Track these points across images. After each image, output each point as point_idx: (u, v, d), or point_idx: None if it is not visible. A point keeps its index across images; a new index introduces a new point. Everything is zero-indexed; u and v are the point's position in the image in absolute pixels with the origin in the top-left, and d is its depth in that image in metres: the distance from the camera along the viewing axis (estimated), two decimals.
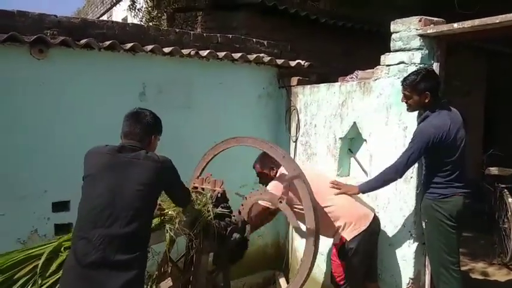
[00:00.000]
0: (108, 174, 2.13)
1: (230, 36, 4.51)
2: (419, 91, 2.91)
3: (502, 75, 7.97)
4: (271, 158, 3.07)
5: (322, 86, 4.10)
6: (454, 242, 2.93)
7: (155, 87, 3.79)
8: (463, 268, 3.57)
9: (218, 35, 4.46)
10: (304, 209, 2.85)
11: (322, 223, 2.98)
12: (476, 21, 2.83)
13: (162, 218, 2.61)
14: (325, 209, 3.08)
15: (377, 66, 3.48)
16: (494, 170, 4.95)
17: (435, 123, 2.88)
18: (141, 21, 7.31)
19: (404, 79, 2.98)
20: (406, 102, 3.02)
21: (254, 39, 4.65)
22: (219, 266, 3.04)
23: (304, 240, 2.91)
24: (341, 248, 3.08)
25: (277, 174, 3.17)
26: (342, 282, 3.12)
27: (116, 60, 3.59)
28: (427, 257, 3.22)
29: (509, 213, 4.63)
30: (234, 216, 2.93)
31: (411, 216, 3.25)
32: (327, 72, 5.00)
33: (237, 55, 4.17)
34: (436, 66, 3.18)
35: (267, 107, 4.55)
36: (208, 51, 3.98)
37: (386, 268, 3.39)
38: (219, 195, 2.86)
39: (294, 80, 4.46)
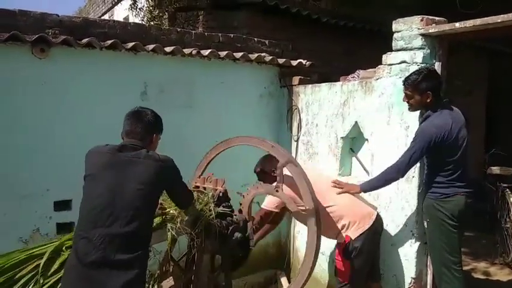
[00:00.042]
0: (109, 173, 2.13)
1: (231, 35, 4.51)
2: (420, 91, 2.90)
3: (503, 74, 7.97)
4: (272, 161, 3.07)
5: (324, 86, 4.10)
6: (456, 242, 2.93)
7: (157, 86, 3.79)
8: (465, 268, 3.57)
9: (219, 34, 4.46)
10: (300, 191, 2.85)
11: (325, 224, 2.98)
12: (478, 21, 2.82)
13: (163, 217, 2.61)
14: (327, 209, 3.07)
15: (379, 66, 3.48)
16: (496, 170, 4.94)
17: (437, 123, 2.88)
18: (142, 20, 7.30)
19: (406, 79, 2.98)
20: (408, 102, 3.01)
21: (255, 39, 4.64)
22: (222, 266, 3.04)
23: (305, 239, 2.91)
24: (345, 248, 3.06)
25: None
26: (346, 282, 3.11)
27: (118, 60, 3.60)
28: (429, 257, 3.22)
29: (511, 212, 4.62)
30: (235, 215, 2.93)
31: (413, 216, 3.25)
32: (328, 71, 4.99)
33: (238, 54, 4.16)
34: (437, 66, 3.18)
35: (269, 107, 4.55)
36: (209, 50, 3.98)
37: (388, 268, 3.39)
38: (221, 194, 2.86)
39: (296, 80, 4.46)
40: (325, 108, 4.05)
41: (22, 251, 2.40)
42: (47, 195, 3.32)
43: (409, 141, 3.06)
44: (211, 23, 6.02)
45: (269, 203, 3.14)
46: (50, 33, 3.35)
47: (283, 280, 3.75)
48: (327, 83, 4.08)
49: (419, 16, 3.16)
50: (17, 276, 2.27)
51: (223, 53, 4.06)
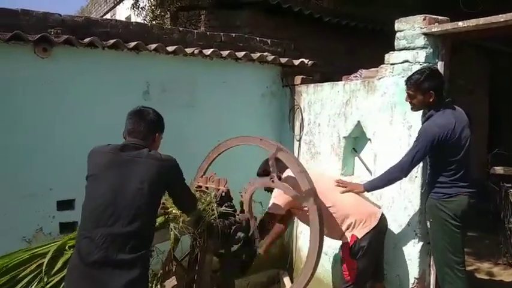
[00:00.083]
0: (111, 173, 2.13)
1: (233, 35, 4.51)
2: (423, 90, 2.89)
3: (503, 73, 7.96)
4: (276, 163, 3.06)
5: (326, 85, 4.09)
6: (459, 242, 2.92)
7: (159, 86, 3.79)
8: (468, 268, 3.56)
9: (221, 33, 4.46)
10: (295, 176, 2.86)
11: (328, 224, 2.97)
12: (481, 20, 2.82)
13: (166, 216, 2.61)
14: (329, 209, 3.06)
15: (381, 65, 3.47)
16: (499, 169, 4.93)
17: (439, 122, 2.87)
18: (144, 20, 7.31)
19: (408, 78, 2.97)
20: (410, 102, 3.00)
21: (258, 38, 4.64)
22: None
23: (308, 239, 2.90)
24: (352, 247, 3.04)
25: (282, 177, 3.15)
26: (352, 281, 3.08)
27: (120, 59, 3.60)
28: (432, 257, 3.21)
29: None
30: (238, 215, 2.92)
31: (416, 216, 3.24)
32: (330, 71, 4.99)
33: (240, 54, 4.16)
34: (440, 65, 3.17)
35: (271, 106, 4.55)
36: (211, 50, 3.97)
37: (391, 268, 3.38)
38: (223, 194, 2.86)
39: (298, 79, 4.46)
40: (327, 107, 4.05)
41: (25, 250, 2.40)
42: (50, 194, 3.32)
43: (411, 141, 3.05)
44: (213, 23, 6.03)
45: (274, 205, 3.12)
46: (52, 33, 3.35)
47: (286, 280, 3.75)
48: (329, 83, 4.08)
49: (421, 15, 3.15)
50: (20, 275, 2.28)
51: (225, 53, 4.05)
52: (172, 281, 2.74)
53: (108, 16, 11.40)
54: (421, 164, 3.09)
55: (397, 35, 3.30)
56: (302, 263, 3.53)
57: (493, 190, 5.03)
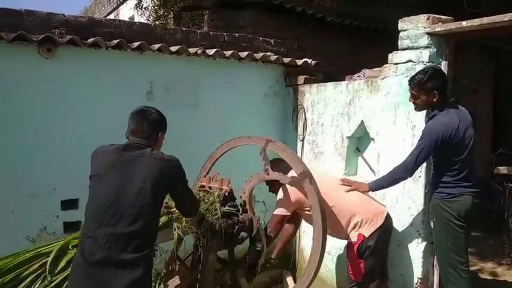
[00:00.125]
0: (113, 173, 2.13)
1: (237, 35, 4.51)
2: (426, 90, 2.88)
3: (508, 73, 7.93)
4: (280, 164, 3.07)
5: (329, 85, 4.09)
6: (463, 242, 2.91)
7: (162, 86, 3.80)
8: (471, 268, 3.56)
9: (225, 33, 4.46)
10: (287, 161, 2.91)
11: (333, 224, 2.97)
12: (485, 19, 2.81)
13: (169, 216, 2.62)
14: (332, 208, 3.04)
15: (385, 65, 3.46)
16: (503, 169, 4.91)
17: (443, 121, 2.86)
18: (147, 20, 7.33)
19: (411, 79, 2.96)
20: (414, 102, 2.99)
21: (261, 38, 4.64)
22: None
23: (311, 239, 2.90)
24: (359, 247, 3.01)
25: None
26: (359, 281, 3.06)
27: (123, 59, 3.61)
28: (435, 257, 3.20)
29: None
30: (241, 215, 2.93)
31: (419, 216, 3.24)
32: (333, 70, 4.99)
33: (243, 54, 4.16)
34: (444, 65, 3.16)
35: (274, 106, 4.55)
36: (215, 50, 3.98)
37: (394, 268, 3.37)
38: (226, 193, 2.86)
39: (301, 79, 4.46)
40: (330, 107, 4.04)
41: (29, 250, 2.41)
42: (54, 194, 3.34)
43: (415, 141, 3.04)
44: (217, 22, 6.03)
45: (280, 207, 3.10)
46: (56, 33, 3.36)
47: (289, 280, 3.73)
48: (332, 82, 4.07)
49: (425, 15, 3.14)
50: (23, 274, 2.29)
51: (228, 53, 4.06)
52: (176, 280, 2.75)
53: (111, 16, 11.43)
54: (424, 164, 3.08)
55: (401, 34, 3.29)
56: (305, 263, 3.53)
57: (496, 190, 5.02)
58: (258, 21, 5.59)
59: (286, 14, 5.66)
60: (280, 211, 3.09)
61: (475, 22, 2.85)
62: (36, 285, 2.26)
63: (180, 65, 3.90)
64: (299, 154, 4.32)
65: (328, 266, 3.84)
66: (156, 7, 7.17)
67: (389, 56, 3.40)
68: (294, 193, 3.01)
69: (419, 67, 3.13)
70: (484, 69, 8.18)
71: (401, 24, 3.29)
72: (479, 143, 3.06)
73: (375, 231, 3.02)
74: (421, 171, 3.16)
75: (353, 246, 3.05)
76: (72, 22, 3.53)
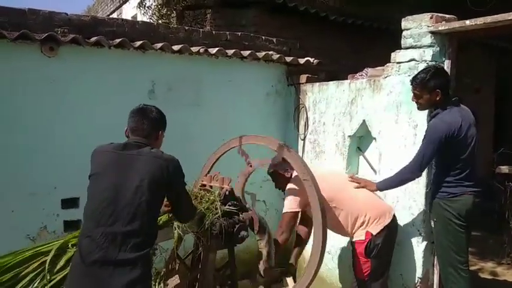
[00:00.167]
0: (112, 172, 2.12)
1: (239, 33, 4.51)
2: (429, 89, 2.87)
3: (511, 72, 7.91)
4: (284, 162, 3.05)
5: (331, 84, 4.08)
6: (463, 241, 2.90)
7: (164, 84, 3.80)
8: (471, 268, 3.55)
9: (227, 32, 4.46)
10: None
11: (335, 223, 2.97)
12: (489, 18, 2.79)
13: (169, 215, 2.62)
14: (334, 209, 3.03)
15: (387, 64, 3.45)
16: (504, 169, 4.90)
17: (446, 120, 2.84)
18: (150, 19, 7.34)
19: (414, 78, 2.95)
20: (417, 102, 2.97)
21: (263, 37, 4.64)
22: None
23: (311, 239, 2.90)
24: (367, 245, 3.00)
25: (292, 176, 3.14)
26: (365, 279, 3.05)
27: (126, 58, 3.61)
28: (436, 256, 3.19)
29: None
30: (241, 214, 2.92)
31: (420, 215, 3.23)
32: (335, 69, 4.98)
33: (246, 53, 4.16)
34: (447, 64, 3.15)
35: (276, 105, 4.55)
36: (217, 48, 3.98)
37: (395, 267, 3.36)
38: (227, 192, 2.86)
39: (303, 78, 4.45)
40: (332, 106, 4.04)
41: (28, 249, 2.41)
42: (55, 193, 3.35)
43: (417, 140, 3.03)
44: (219, 21, 6.03)
45: (289, 205, 3.06)
46: (59, 32, 3.37)
47: (289, 279, 3.73)
48: (334, 81, 4.07)
49: (428, 14, 3.13)
50: (23, 273, 2.28)
51: (230, 51, 4.06)
52: (176, 279, 2.76)
53: (114, 15, 11.45)
54: None
55: (404, 33, 3.28)
56: (305, 262, 3.52)
57: (498, 189, 5.01)
58: (261, 20, 5.59)
59: (288, 13, 5.66)
60: (289, 208, 3.04)
61: (479, 21, 2.83)
62: (35, 284, 2.26)
63: (182, 64, 3.90)
64: (300, 153, 4.31)
65: (328, 266, 3.84)
66: (159, 6, 7.18)
67: (392, 54, 3.39)
68: (301, 190, 2.98)
69: (422, 66, 3.11)
70: (486, 68, 8.16)
71: (404, 23, 3.27)
72: (481, 143, 3.03)
73: (382, 230, 3.00)
74: None
75: (361, 244, 3.03)
76: (75, 21, 3.53)
